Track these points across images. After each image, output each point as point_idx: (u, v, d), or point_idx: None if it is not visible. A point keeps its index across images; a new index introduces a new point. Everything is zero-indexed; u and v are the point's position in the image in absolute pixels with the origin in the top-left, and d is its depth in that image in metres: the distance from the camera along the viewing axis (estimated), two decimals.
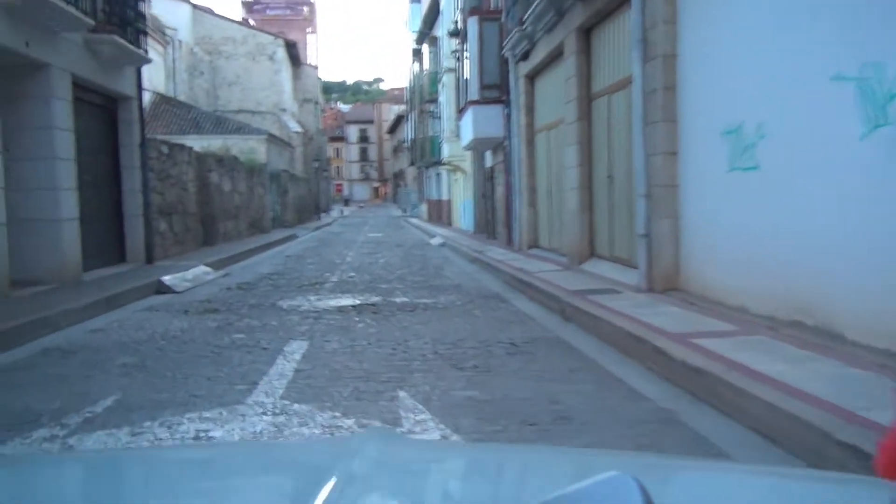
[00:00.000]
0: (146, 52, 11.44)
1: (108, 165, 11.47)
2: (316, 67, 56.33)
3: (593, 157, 9.90)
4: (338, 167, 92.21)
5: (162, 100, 33.17)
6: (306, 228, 28.67)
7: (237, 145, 28.14)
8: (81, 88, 10.18)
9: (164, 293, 9.46)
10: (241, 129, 32.97)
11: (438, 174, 33.57)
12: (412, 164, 45.41)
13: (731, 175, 6.08)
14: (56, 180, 8.99)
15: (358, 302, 8.17)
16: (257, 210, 22.83)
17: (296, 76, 50.23)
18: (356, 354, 5.30)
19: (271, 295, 9.00)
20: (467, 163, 23.67)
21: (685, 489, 1.10)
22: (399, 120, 71.58)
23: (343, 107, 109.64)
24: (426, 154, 34.69)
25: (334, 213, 52.73)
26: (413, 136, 41.58)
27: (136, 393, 4.29)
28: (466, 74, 17.03)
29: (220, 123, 33.06)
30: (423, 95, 35.51)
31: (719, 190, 6.31)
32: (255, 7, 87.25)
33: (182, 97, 36.09)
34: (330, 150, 75.80)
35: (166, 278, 9.83)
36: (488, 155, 18.77)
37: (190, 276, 10.75)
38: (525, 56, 13.14)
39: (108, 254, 11.18)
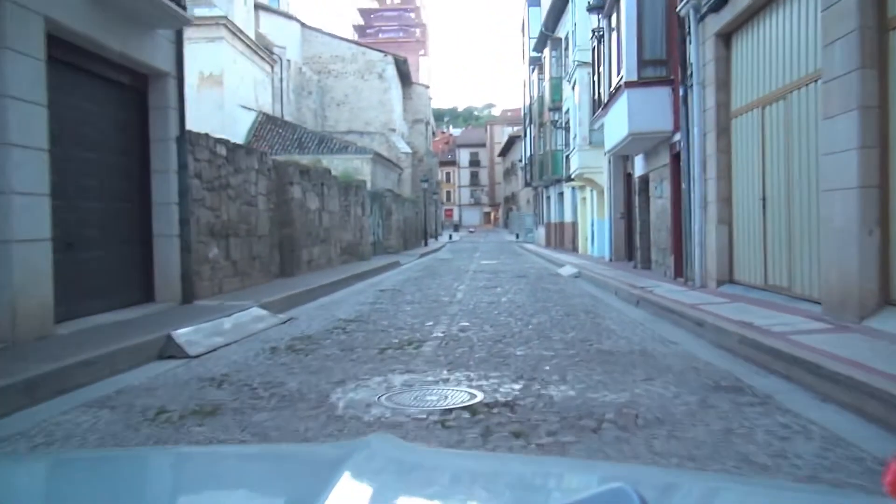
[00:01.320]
0: (184, 7, 8.17)
1: (130, 168, 8.22)
2: (427, 87, 53.60)
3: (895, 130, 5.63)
4: (448, 192, 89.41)
5: (267, 119, 31.08)
6: (411, 255, 25.19)
7: (341, 165, 25.34)
8: (78, 51, 6.98)
9: (173, 357, 5.98)
10: (345, 149, 30.38)
11: (560, 193, 29.43)
12: (527, 184, 41.45)
13: None
14: (6, 180, 5.69)
15: (479, 398, 4.27)
16: (353, 233, 19.47)
17: (406, 96, 47.73)
18: None
19: (331, 368, 5.29)
20: (603, 175, 19.46)
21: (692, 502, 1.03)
22: (512, 141, 68.19)
23: (454, 131, 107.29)
24: (547, 171, 30.59)
25: (443, 238, 49.53)
26: (530, 154, 37.60)
27: None
28: (612, 58, 13.00)
29: (323, 142, 30.62)
30: (543, 106, 31.54)
31: None
32: (368, 31, 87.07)
33: (289, 118, 34.00)
34: (440, 174, 72.97)
35: (180, 333, 6.32)
36: (638, 160, 14.54)
37: (228, 325, 7.26)
38: (718, 5, 9.00)
39: (122, 291, 7.86)
